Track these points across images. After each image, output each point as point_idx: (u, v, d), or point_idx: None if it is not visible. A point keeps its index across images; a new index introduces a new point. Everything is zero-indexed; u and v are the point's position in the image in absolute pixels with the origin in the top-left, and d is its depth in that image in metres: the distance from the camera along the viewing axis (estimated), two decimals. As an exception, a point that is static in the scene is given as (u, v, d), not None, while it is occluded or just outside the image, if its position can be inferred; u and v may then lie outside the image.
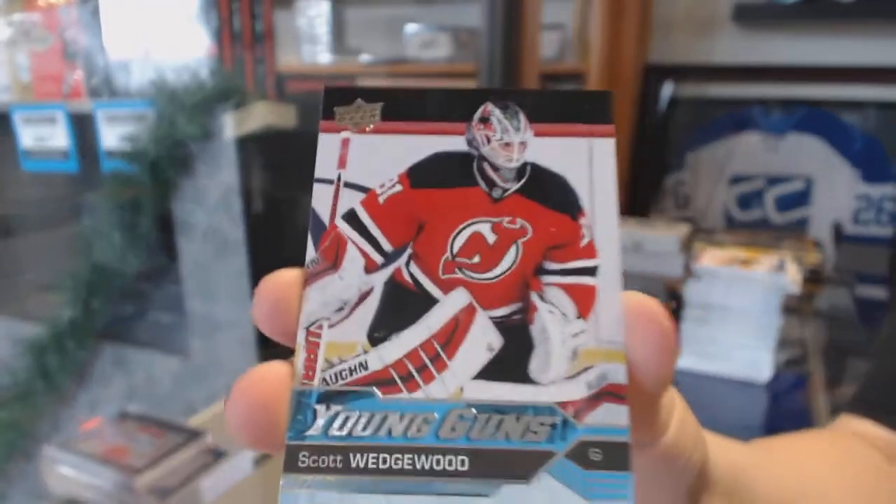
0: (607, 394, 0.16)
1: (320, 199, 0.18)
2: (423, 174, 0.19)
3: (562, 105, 0.19)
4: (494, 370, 0.17)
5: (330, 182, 0.19)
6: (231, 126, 1.06)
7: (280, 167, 1.22)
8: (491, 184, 0.19)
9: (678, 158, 2.02)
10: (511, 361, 0.17)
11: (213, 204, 1.11)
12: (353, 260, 0.18)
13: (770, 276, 0.92)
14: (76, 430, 0.85)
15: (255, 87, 1.17)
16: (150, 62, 1.17)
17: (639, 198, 2.05)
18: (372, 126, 0.19)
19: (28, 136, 1.26)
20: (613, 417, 0.16)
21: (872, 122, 1.81)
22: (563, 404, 0.16)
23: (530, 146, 0.19)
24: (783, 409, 0.91)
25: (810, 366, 1.01)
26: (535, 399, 0.16)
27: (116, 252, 1.14)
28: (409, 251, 0.18)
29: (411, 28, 2.08)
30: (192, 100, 1.06)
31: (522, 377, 0.17)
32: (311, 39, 2.22)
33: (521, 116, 0.19)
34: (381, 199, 0.18)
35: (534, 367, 0.17)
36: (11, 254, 1.59)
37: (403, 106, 0.19)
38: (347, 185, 0.19)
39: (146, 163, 1.09)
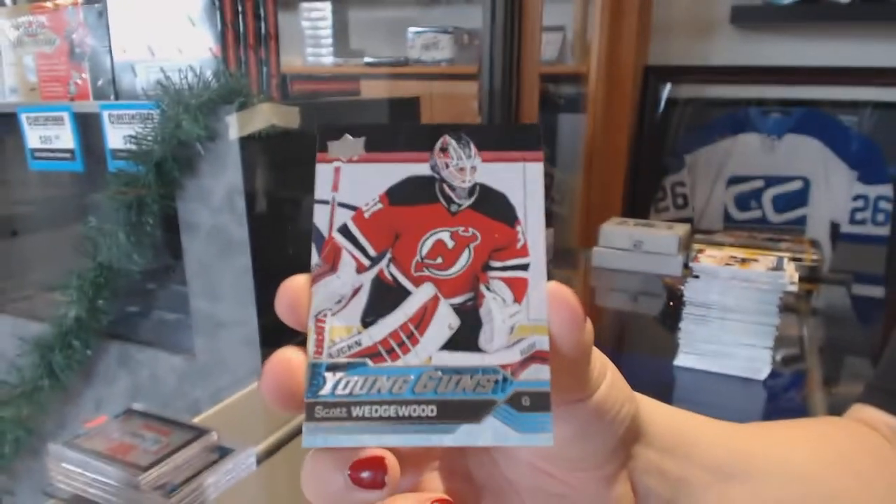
0: (535, 357, 0.22)
1: (320, 217, 0.23)
2: (398, 194, 0.23)
3: (502, 136, 0.24)
4: (454, 343, 0.22)
5: (327, 203, 0.23)
6: (235, 127, 1.07)
7: (284, 167, 1.23)
8: (449, 200, 0.23)
9: (677, 159, 2.02)
10: (466, 336, 0.22)
11: (217, 204, 1.12)
12: (347, 263, 0.23)
13: (768, 275, 0.93)
14: (82, 428, 0.85)
15: (259, 88, 1.18)
16: (155, 63, 1.18)
17: (638, 198, 2.06)
18: (357, 156, 0.24)
19: (35, 136, 1.27)
20: (539, 374, 0.21)
21: (869, 123, 1.82)
22: (504, 366, 0.22)
23: (479, 170, 0.23)
24: (781, 406, 0.92)
25: (808, 364, 1.02)
26: (484, 363, 0.22)
27: (122, 251, 1.15)
28: (388, 255, 0.23)
29: (413, 30, 2.09)
30: (196, 101, 1.06)
31: (474, 347, 0.22)
32: (314, 41, 2.23)
33: (472, 146, 0.24)
34: (366, 215, 0.23)
35: (482, 339, 0.22)
36: (18, 253, 1.60)
37: (381, 139, 0.24)
38: (340, 204, 0.23)
39: (151, 163, 1.10)
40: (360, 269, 0.23)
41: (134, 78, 1.21)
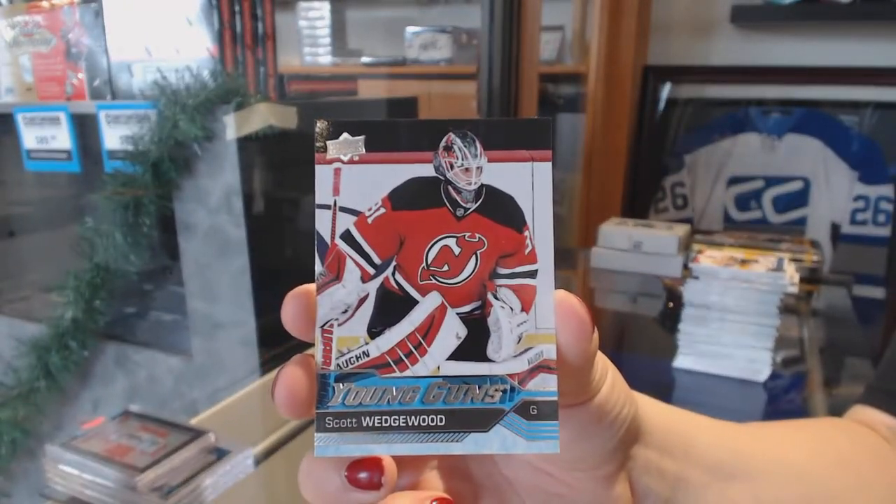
0: (542, 367, 0.22)
1: (322, 223, 0.22)
2: (402, 198, 0.22)
3: (510, 133, 0.23)
4: (461, 353, 0.22)
5: (328, 207, 0.22)
6: (232, 127, 1.07)
7: (281, 168, 1.23)
8: (455, 204, 0.22)
9: (676, 159, 2.02)
10: (473, 346, 0.22)
11: (214, 204, 1.12)
12: (351, 272, 0.22)
13: (768, 276, 0.93)
14: (79, 429, 0.85)
15: (256, 88, 1.18)
16: (152, 63, 1.18)
17: (637, 198, 2.06)
18: (358, 157, 0.22)
19: (31, 136, 1.26)
20: (546, 384, 0.22)
21: (870, 123, 1.82)
22: (511, 375, 0.22)
23: (485, 170, 0.22)
24: (781, 408, 0.91)
25: (808, 365, 1.02)
26: (491, 372, 0.22)
27: (119, 252, 1.14)
28: (394, 263, 0.22)
29: (412, 29, 2.08)
30: (193, 101, 1.06)
31: (482, 357, 0.22)
32: (312, 41, 2.22)
33: (478, 144, 0.22)
34: (369, 220, 0.22)
35: (490, 349, 0.22)
36: (15, 253, 1.60)
37: (382, 137, 0.23)
38: (342, 209, 0.22)
39: (148, 163, 1.10)
40: (366, 278, 0.22)
41: (131, 78, 1.21)
